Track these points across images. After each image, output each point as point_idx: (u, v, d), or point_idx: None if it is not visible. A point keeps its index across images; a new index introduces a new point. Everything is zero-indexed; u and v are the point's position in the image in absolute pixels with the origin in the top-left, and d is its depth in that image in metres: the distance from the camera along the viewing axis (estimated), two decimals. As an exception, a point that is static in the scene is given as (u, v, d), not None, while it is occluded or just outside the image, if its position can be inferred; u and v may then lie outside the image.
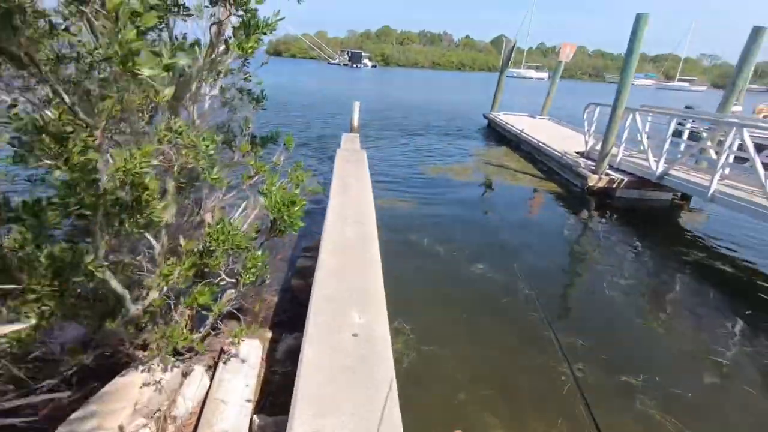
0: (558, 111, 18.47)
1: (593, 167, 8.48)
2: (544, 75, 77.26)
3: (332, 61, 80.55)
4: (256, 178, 3.05)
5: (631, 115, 8.10)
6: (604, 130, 8.33)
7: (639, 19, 7.30)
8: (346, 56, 77.97)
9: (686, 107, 18.41)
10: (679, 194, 8.35)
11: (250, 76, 3.51)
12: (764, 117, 14.76)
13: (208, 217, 2.94)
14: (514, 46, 14.93)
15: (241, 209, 3.24)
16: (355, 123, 13.72)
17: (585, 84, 72.24)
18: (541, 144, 10.70)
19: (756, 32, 7.20)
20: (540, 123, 14.93)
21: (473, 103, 26.15)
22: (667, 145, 7.23)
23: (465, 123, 17.30)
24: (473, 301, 4.45)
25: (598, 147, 9.35)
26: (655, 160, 7.53)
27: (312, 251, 4.73)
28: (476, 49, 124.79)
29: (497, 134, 14.69)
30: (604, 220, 7.53)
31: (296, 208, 2.60)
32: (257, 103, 3.26)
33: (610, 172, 8.30)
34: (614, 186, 8.08)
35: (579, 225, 7.31)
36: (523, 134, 12.04)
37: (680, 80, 72.89)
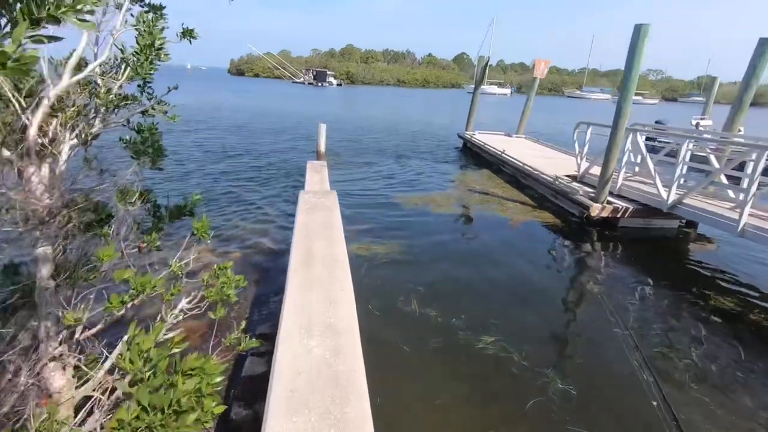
0: (531, 128, 17.95)
1: (592, 194, 7.56)
2: (507, 91, 79.10)
3: (297, 80, 79.38)
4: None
5: (630, 136, 7.25)
6: (596, 152, 7.45)
7: (638, 31, 6.50)
8: (310, 75, 77.03)
9: (657, 122, 18.37)
10: (684, 220, 7.55)
11: (155, 107, 2.23)
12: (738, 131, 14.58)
13: (49, 374, 1.58)
14: (487, 63, 14.22)
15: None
16: (322, 148, 12.49)
17: (546, 99, 74.19)
18: (527, 167, 9.79)
19: (763, 44, 6.54)
20: (518, 143, 14.17)
21: (444, 122, 25.53)
22: (679, 171, 6.37)
23: (439, 143, 16.39)
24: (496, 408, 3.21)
25: (593, 170, 8.50)
26: (665, 188, 6.66)
27: (248, 400, 3.39)
28: (439, 66, 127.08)
29: (475, 155, 13.80)
30: (607, 255, 6.58)
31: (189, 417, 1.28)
32: (153, 162, 1.96)
33: (612, 199, 7.39)
34: (618, 215, 7.15)
35: (582, 262, 6.31)
36: (505, 156, 11.14)
37: (637, 94, 76.21)
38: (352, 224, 7.04)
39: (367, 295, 4.62)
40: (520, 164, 10.06)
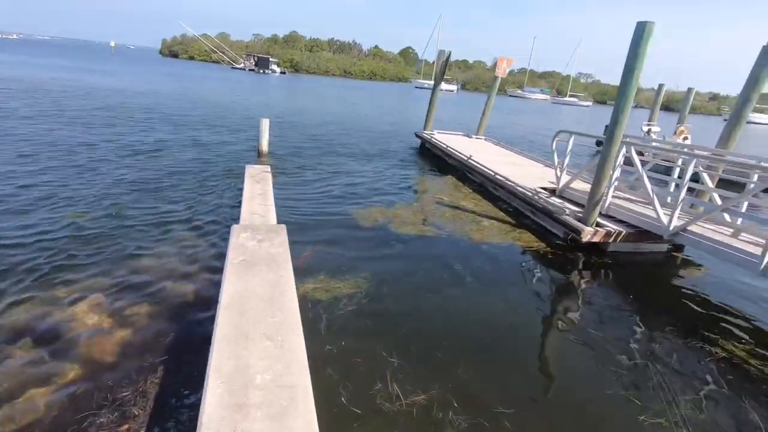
0: (488, 129, 17.15)
1: (579, 213, 6.67)
2: (454, 87, 79.81)
3: (237, 66, 74.47)
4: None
5: (623, 150, 6.42)
6: (569, 162, 6.58)
7: (642, 30, 5.59)
8: (252, 61, 72.53)
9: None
10: (672, 243, 6.90)
11: None
12: (684, 138, 14.80)
13: None
14: (448, 58, 13.17)
15: None
16: (264, 147, 10.76)
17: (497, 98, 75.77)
18: (499, 177, 8.80)
19: (766, 52, 5.91)
20: (480, 145, 13.29)
21: (397, 118, 24.35)
22: (683, 194, 5.58)
23: (394, 143, 15.12)
24: None
25: (574, 185, 7.66)
26: (665, 212, 5.87)
27: None
28: (386, 59, 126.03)
29: (435, 158, 12.69)
30: (598, 285, 5.77)
31: None
32: None
33: (602, 221, 6.54)
34: (610, 240, 6.31)
35: (573, 294, 5.41)
36: (472, 162, 10.12)
37: (571, 96, 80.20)
38: (302, 249, 5.60)
39: (336, 381, 3.23)
40: (491, 173, 9.06)
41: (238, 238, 3.63)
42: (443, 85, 79.20)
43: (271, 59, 72.38)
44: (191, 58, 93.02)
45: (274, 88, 39.51)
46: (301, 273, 4.55)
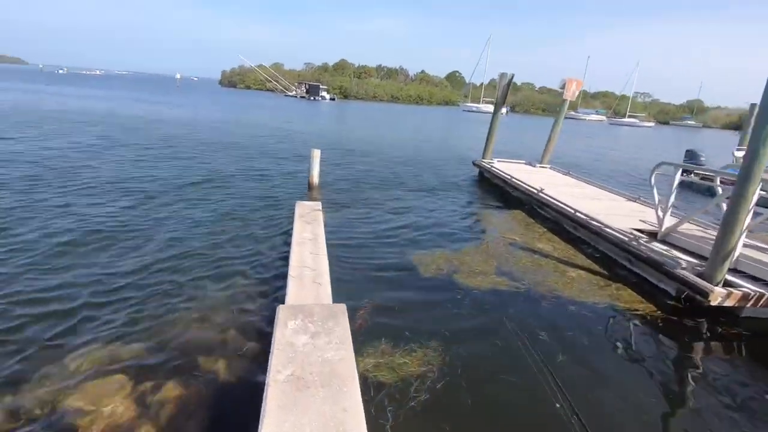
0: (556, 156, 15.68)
1: (700, 268, 5.34)
2: (503, 110, 78.01)
3: (289, 94, 77.49)
4: None
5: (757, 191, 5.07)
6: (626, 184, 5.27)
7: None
8: (303, 89, 75.17)
9: (688, 151, 16.48)
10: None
11: None
12: None
13: None
14: (511, 81, 12.18)
15: None
16: (315, 179, 10.18)
17: (541, 119, 73.32)
18: (580, 215, 7.57)
19: None
20: (547, 175, 12.05)
21: (448, 144, 23.46)
22: None
23: (450, 172, 14.17)
24: None
25: (683, 229, 6.31)
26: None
27: None
28: (432, 83, 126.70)
29: (498, 190, 11.57)
30: (731, 363, 4.43)
31: None
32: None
33: (731, 278, 5.18)
34: (747, 304, 4.93)
35: (700, 378, 4.09)
36: (544, 196, 8.94)
37: (630, 116, 75.88)
38: (358, 305, 4.75)
39: None
40: (570, 210, 7.84)
41: (285, 331, 2.76)
42: (492, 108, 78.09)
43: (321, 86, 74.68)
44: (248, 87, 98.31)
45: (324, 115, 40.08)
46: (357, 339, 3.66)
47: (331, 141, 20.17)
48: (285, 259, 5.62)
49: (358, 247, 6.75)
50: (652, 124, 74.92)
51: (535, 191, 9.27)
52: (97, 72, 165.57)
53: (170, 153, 13.31)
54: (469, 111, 77.22)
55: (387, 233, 7.53)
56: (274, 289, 5.10)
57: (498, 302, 5.30)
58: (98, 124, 18.83)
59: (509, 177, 10.74)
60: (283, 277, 4.96)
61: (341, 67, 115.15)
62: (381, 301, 5.08)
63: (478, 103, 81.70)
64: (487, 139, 13.49)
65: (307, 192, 10.00)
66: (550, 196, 8.77)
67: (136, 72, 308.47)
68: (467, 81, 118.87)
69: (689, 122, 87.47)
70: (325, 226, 6.51)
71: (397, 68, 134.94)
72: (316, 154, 10.04)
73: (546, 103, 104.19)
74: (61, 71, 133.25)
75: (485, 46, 76.97)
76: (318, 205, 7.33)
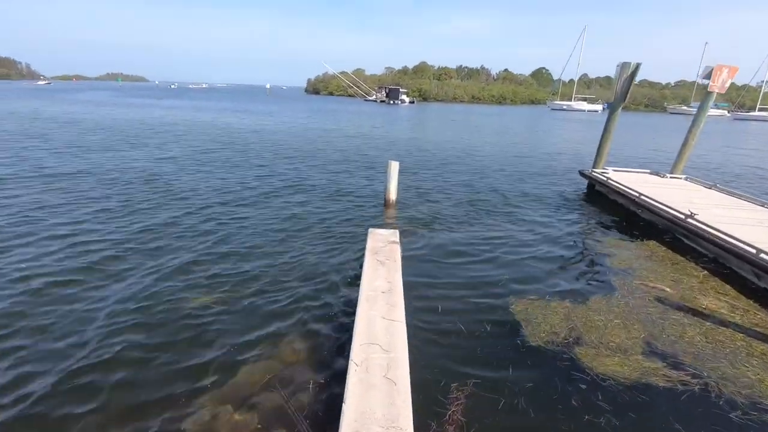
0: (663, 156, 12.26)
1: None
2: (598, 107, 71.13)
3: (369, 98, 78.10)
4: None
5: None
6: None
7: None
8: (383, 93, 75.20)
9: None
10: None
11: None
12: None
13: None
14: (636, 71, 9.71)
15: None
16: (392, 195, 8.81)
17: (643, 116, 64.94)
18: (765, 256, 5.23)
19: None
20: (684, 190, 9.39)
21: (544, 149, 20.74)
22: None
23: (551, 185, 11.95)
24: None
25: None
26: None
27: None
28: (516, 82, 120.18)
29: (618, 210, 9.22)
30: None
31: None
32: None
33: None
34: None
35: None
36: (696, 224, 6.60)
37: (761, 109, 64.18)
38: (447, 392, 3.15)
39: None
40: (752, 251, 5.48)
41: None
42: (586, 106, 71.31)
43: (400, 90, 74.07)
44: (330, 93, 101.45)
45: (404, 120, 39.01)
46: None
47: (411, 147, 18.79)
48: (344, 325, 4.27)
49: (442, 292, 5.18)
50: (791, 117, 62.44)
51: (683, 216, 6.92)
52: (204, 85, 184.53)
53: (236, 160, 12.92)
54: (559, 110, 71.36)
55: (478, 272, 5.86)
56: (322, 387, 3.73)
57: (652, 410, 3.41)
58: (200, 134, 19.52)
59: (637, 194, 8.38)
60: (342, 367, 3.58)
61: (421, 69, 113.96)
62: (479, 388, 3.55)
63: (570, 100, 75.20)
64: (600, 145, 11.06)
65: (384, 210, 8.66)
66: (708, 225, 6.41)
67: (234, 84, 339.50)
68: (555, 78, 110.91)
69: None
70: (403, 262, 5.07)
71: (478, 68, 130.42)
72: (394, 167, 8.66)
73: (649, 98, 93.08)
74: (173, 86, 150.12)
75: (578, 39, 70.51)
76: (395, 234, 5.91)
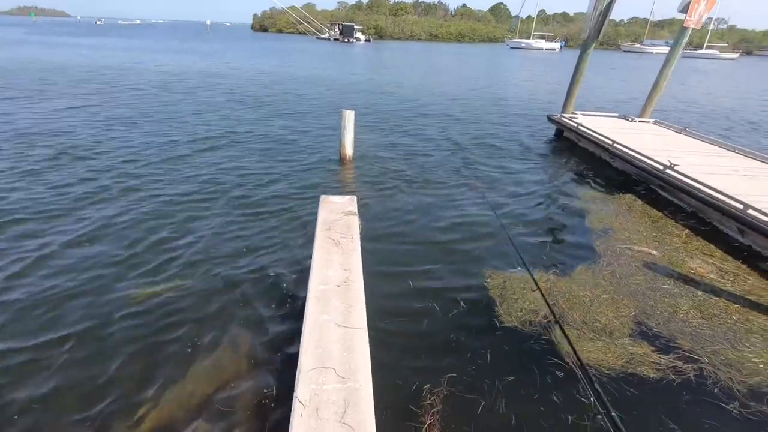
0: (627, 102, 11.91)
1: None
2: (556, 46, 70.27)
3: (321, 36, 72.90)
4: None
5: None
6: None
7: None
8: (336, 30, 70.17)
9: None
10: None
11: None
12: None
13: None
14: (612, 3, 8.77)
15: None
16: (348, 149, 7.81)
17: (602, 54, 64.93)
18: (759, 216, 4.84)
19: None
20: (656, 135, 8.98)
21: (507, 91, 19.82)
22: None
23: (517, 132, 11.24)
24: None
25: None
26: None
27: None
28: (474, 18, 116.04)
29: (591, 159, 8.70)
30: None
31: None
32: None
33: None
34: None
35: None
36: (677, 176, 6.14)
37: (708, 47, 65.74)
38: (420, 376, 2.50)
39: None
40: (738, 207, 5.08)
41: None
42: (544, 44, 70.00)
43: (355, 27, 69.32)
44: (279, 31, 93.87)
45: (360, 60, 36.49)
46: None
47: (369, 91, 17.34)
48: (290, 337, 3.47)
49: (406, 273, 4.45)
50: (735, 55, 64.45)
51: (661, 167, 6.45)
52: (137, 22, 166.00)
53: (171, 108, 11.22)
54: (517, 48, 69.85)
55: (449, 236, 5.17)
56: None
57: (641, 405, 2.97)
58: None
59: (610, 143, 7.84)
60: (285, 405, 2.79)
61: (376, 4, 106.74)
62: (449, 389, 2.97)
63: (528, 38, 73.62)
64: (570, 87, 10.33)
65: (340, 168, 7.67)
66: (689, 178, 5.95)
67: (171, 20, 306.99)
68: (514, 14, 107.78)
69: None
70: (362, 233, 4.24)
71: (435, 3, 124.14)
72: (349, 117, 7.55)
73: (606, 36, 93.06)
74: (99, 22, 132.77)
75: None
76: (352, 202, 5.00)
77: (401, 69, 29.01)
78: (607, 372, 3.25)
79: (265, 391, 2.99)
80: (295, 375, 2.51)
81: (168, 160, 7.57)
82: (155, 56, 28.59)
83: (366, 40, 68.53)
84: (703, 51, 63.90)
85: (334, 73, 24.03)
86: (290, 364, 2.99)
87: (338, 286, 3.44)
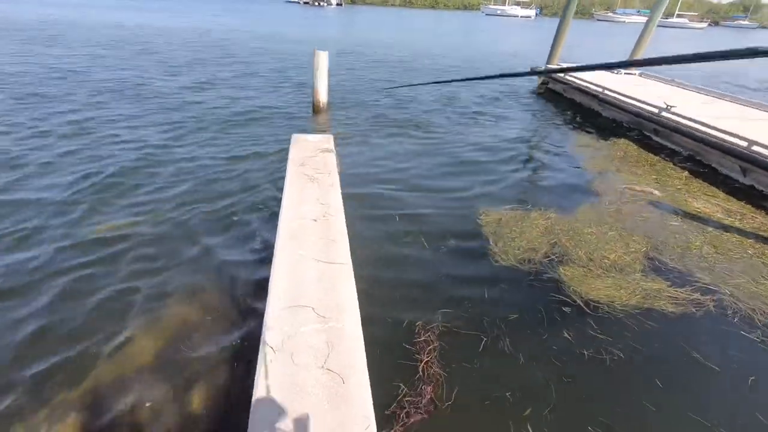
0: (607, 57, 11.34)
1: None
2: (531, 12, 69.25)
3: (291, 0, 69.18)
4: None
5: None
6: None
7: None
8: (306, -7, 66.70)
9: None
10: None
11: None
12: None
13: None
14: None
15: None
16: (322, 97, 7.13)
17: (575, 23, 64.45)
18: (762, 152, 4.55)
19: None
20: (645, 86, 8.65)
21: (487, 50, 19.19)
22: None
23: (500, 85, 10.72)
24: None
25: None
26: None
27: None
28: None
29: (577, 109, 8.31)
30: None
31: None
32: None
33: None
34: None
35: None
36: (674, 118, 5.80)
37: (679, 16, 66.32)
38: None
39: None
40: (743, 144, 4.78)
41: None
42: (519, 10, 68.83)
43: (326, -11, 65.97)
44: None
45: (331, 21, 34.77)
46: None
47: (343, 50, 16.35)
48: (257, 280, 2.95)
49: (393, 208, 3.95)
50: (704, 25, 65.37)
51: (656, 111, 6.09)
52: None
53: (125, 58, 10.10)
54: (493, 15, 68.53)
55: (437, 179, 4.69)
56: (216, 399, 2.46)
57: (662, 337, 2.67)
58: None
59: (601, 89, 7.44)
60: (250, 350, 2.26)
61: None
62: (446, 325, 2.58)
63: (504, 5, 72.28)
64: (555, 38, 9.82)
65: (312, 116, 6.99)
66: (686, 118, 5.61)
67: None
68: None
69: (742, 22, 76.71)
70: (342, 177, 3.70)
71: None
72: (323, 59, 6.80)
73: (581, 5, 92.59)
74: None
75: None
76: (328, 140, 4.41)
77: (376, 30, 27.73)
78: (622, 309, 2.89)
79: (231, 340, 2.46)
80: (263, 320, 1.99)
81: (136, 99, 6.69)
82: (141, 15, 26.22)
83: (338, 5, 65.58)
84: (674, 20, 64.46)
85: (306, 35, 22.63)
86: (260, 308, 2.46)
87: (315, 220, 2.91)
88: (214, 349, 2.39)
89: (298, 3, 63.80)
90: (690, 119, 5.54)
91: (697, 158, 5.57)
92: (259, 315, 2.37)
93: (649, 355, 2.54)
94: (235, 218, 3.72)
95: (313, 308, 2.06)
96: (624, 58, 10.31)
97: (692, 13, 68.83)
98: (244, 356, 2.33)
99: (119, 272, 2.96)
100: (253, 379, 1.66)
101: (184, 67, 10.36)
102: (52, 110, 6.28)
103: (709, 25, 69.62)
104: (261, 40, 17.64)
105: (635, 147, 6.04)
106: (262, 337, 1.87)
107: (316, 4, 61.52)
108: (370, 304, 2.60)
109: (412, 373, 2.30)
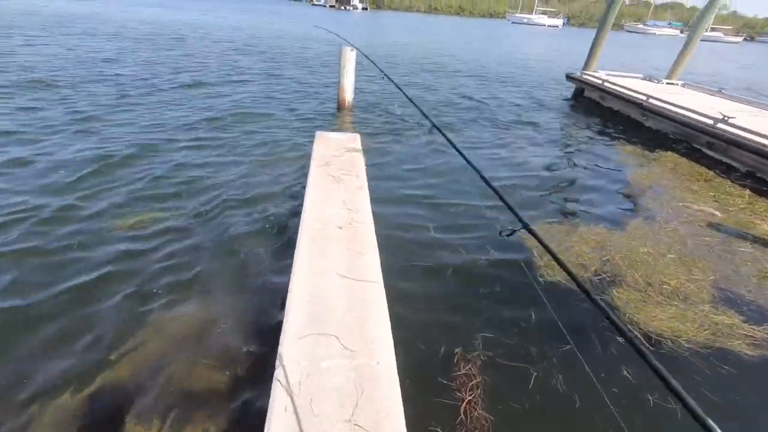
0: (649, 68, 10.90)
1: None
2: (559, 22, 68.23)
3: (317, 3, 69.77)
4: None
5: None
6: None
7: None
8: (332, -4, 67.14)
9: None
10: None
11: None
12: None
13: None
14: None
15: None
16: (348, 95, 6.82)
17: (612, 34, 63.03)
18: None
19: None
20: (690, 97, 8.10)
21: (517, 57, 18.67)
22: None
23: (534, 93, 10.25)
24: None
25: None
26: None
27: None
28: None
29: (617, 119, 7.81)
30: None
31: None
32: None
33: None
34: None
35: None
36: (735, 131, 5.29)
37: (713, 30, 64.35)
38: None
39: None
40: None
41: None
42: (546, 20, 67.88)
43: (352, -6, 66.30)
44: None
45: (359, 26, 34.73)
46: None
47: (370, 51, 16.10)
48: (275, 289, 2.62)
49: (425, 219, 3.57)
50: (739, 39, 63.28)
51: (711, 122, 5.58)
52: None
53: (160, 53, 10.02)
54: (519, 23, 67.72)
55: (471, 187, 4.30)
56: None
57: (737, 385, 2.21)
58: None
59: (645, 98, 6.94)
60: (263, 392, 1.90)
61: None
62: (487, 353, 2.16)
63: (530, 13, 71.44)
64: (594, 43, 9.34)
65: (337, 114, 6.70)
66: (747, 131, 5.10)
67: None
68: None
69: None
70: (369, 182, 3.35)
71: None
72: (350, 56, 6.50)
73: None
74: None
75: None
76: (355, 140, 4.08)
77: (404, 35, 27.50)
78: (688, 346, 2.46)
79: (238, 370, 2.12)
80: (278, 348, 1.64)
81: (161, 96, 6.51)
82: (175, 12, 26.68)
83: (363, 8, 65.79)
84: (708, 33, 62.53)
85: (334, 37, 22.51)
86: (273, 329, 2.12)
87: (340, 228, 2.56)
88: (221, 381, 2.05)
89: (324, 6, 64.26)
90: (752, 131, 5.03)
91: (758, 175, 5.05)
92: (271, 339, 2.02)
93: (726, 409, 2.12)
94: (256, 216, 3.41)
95: (337, 338, 1.70)
96: (663, 69, 9.72)
97: (727, 27, 66.72)
98: (251, 403, 1.99)
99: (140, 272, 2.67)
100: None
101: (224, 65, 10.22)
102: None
103: (744, 39, 67.37)
104: (297, 40, 17.55)
105: (686, 161, 5.54)
106: (275, 374, 1.53)
107: (342, 7, 61.82)
108: (399, 326, 2.23)
109: (453, 415, 1.92)
